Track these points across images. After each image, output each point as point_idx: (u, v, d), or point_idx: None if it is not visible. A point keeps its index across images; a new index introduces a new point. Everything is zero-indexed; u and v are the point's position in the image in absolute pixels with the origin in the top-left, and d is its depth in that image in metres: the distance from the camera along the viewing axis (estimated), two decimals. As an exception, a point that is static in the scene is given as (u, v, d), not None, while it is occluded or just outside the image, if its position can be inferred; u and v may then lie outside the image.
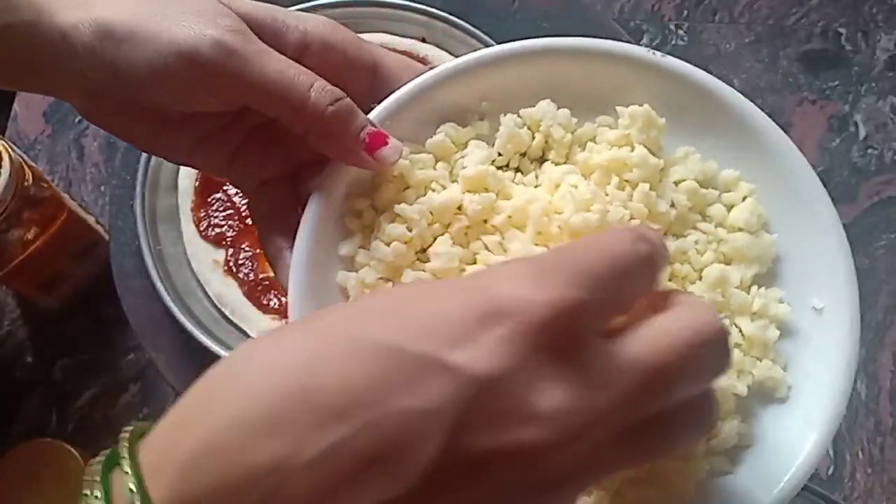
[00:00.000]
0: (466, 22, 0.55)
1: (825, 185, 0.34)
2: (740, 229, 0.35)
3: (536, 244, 0.32)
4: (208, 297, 0.50)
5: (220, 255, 0.51)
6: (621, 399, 0.20)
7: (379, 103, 0.34)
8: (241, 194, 0.53)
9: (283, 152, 0.35)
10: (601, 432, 0.20)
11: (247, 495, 0.19)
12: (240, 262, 0.50)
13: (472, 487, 0.20)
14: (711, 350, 0.22)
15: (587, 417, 0.20)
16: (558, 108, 0.35)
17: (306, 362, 0.20)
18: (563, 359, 0.20)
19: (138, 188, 0.53)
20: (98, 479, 0.21)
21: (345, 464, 0.19)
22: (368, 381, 0.19)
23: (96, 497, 0.21)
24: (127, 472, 0.21)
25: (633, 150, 0.34)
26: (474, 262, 0.33)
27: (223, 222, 0.52)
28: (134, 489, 0.20)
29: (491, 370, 0.19)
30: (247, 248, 0.51)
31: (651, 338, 0.21)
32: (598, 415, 0.20)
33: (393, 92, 0.34)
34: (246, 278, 0.50)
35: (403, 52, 0.56)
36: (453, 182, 0.34)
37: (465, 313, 0.20)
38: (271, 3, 0.46)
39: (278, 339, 0.21)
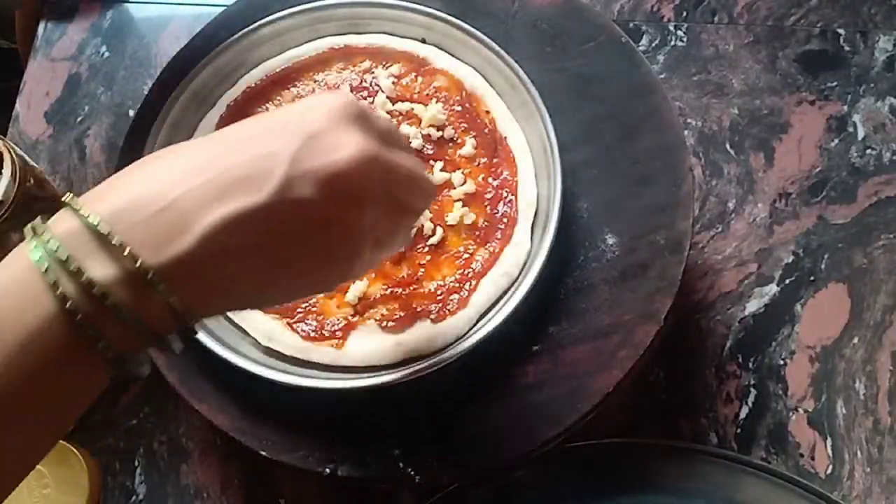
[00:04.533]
0: (466, 23, 0.56)
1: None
2: None
3: None
4: (209, 296, 0.50)
5: (221, 254, 0.51)
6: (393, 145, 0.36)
7: None
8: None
9: None
10: (384, 162, 0.35)
11: (154, 204, 0.30)
12: (240, 261, 0.51)
13: (306, 193, 0.32)
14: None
15: (378, 151, 0.34)
16: None
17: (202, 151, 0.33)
18: (354, 125, 0.34)
19: (139, 188, 0.53)
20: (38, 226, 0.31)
21: (224, 182, 0.31)
22: (242, 142, 0.33)
23: (38, 236, 0.30)
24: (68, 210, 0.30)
25: None
26: None
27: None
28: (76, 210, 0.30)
29: (312, 130, 0.33)
30: (247, 248, 0.51)
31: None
32: (381, 152, 0.35)
33: None
34: (246, 278, 0.50)
35: (403, 53, 0.57)
36: None
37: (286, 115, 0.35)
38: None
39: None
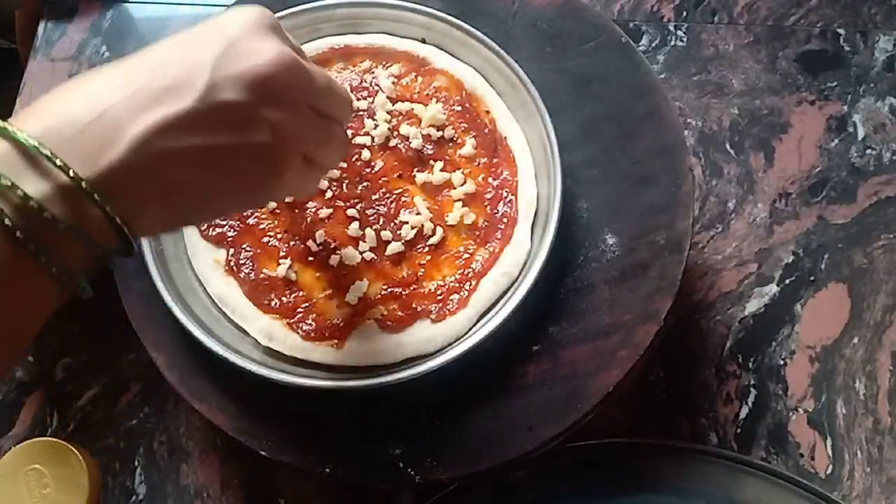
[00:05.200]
0: (466, 23, 0.55)
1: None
2: None
3: None
4: (209, 296, 0.50)
5: (221, 254, 0.51)
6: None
7: None
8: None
9: None
10: (303, 69, 0.36)
11: (83, 118, 0.31)
12: (240, 261, 0.50)
13: (230, 96, 0.33)
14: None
15: (297, 58, 0.35)
16: None
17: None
18: (271, 34, 0.36)
19: (139, 188, 0.53)
20: None
21: (150, 92, 0.32)
22: (166, 54, 0.34)
23: None
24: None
25: None
26: None
27: (224, 221, 0.52)
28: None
29: (232, 38, 0.34)
30: (247, 248, 0.51)
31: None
32: (299, 60, 0.36)
33: None
34: (247, 278, 0.50)
35: (403, 53, 0.57)
36: None
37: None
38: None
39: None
